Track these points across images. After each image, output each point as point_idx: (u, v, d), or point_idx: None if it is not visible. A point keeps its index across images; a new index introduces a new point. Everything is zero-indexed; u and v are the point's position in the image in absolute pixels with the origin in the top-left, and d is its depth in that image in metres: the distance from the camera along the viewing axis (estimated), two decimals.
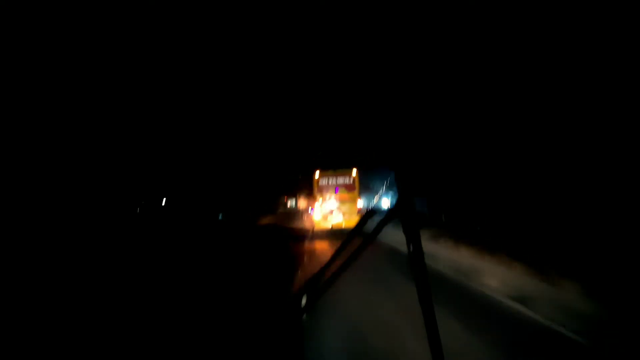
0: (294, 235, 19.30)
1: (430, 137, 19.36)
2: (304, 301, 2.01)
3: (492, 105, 14.59)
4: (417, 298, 1.71)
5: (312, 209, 19.37)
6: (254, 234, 21.36)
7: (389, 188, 36.54)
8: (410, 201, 1.67)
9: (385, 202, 36.20)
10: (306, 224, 21.19)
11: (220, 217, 31.72)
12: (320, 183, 18.64)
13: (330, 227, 18.43)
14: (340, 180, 18.65)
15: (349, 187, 18.60)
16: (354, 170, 18.75)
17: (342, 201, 18.53)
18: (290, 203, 39.13)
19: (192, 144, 25.47)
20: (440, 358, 1.63)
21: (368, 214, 1.89)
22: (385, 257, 11.53)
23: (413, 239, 1.66)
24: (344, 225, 18.30)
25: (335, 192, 18.58)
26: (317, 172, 18.76)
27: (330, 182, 18.62)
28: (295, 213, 30.57)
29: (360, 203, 18.97)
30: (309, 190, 20.09)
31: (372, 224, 1.87)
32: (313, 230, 19.05)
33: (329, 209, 18.54)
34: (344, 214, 18.44)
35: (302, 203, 28.53)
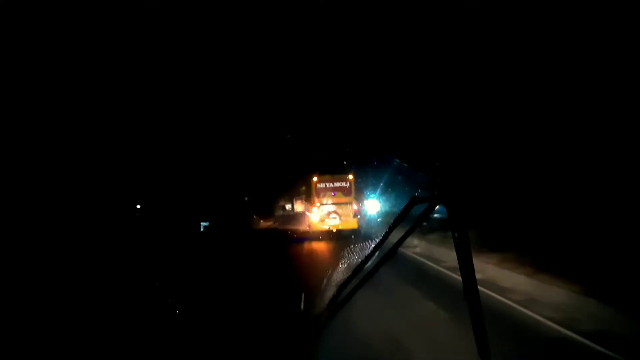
0: (293, 238, 20.16)
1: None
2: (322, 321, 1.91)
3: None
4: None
5: (310, 211, 20.24)
6: (252, 240, 21.84)
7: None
8: (458, 183, 1.53)
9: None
10: (304, 226, 22.05)
11: (203, 227, 27.69)
12: (317, 186, 19.53)
13: (327, 228, 19.30)
14: (337, 184, 19.54)
15: (345, 191, 19.50)
16: (350, 175, 19.67)
17: (338, 204, 19.41)
18: (289, 206, 39.94)
19: (179, 146, 25.00)
20: (485, 345, 1.52)
21: (413, 201, 1.67)
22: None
23: (460, 229, 1.53)
24: (340, 227, 19.20)
25: (333, 195, 19.47)
26: (315, 177, 19.65)
27: (327, 186, 19.51)
28: (293, 216, 31.38)
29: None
30: (307, 193, 20.95)
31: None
32: (311, 232, 19.90)
33: (326, 212, 19.42)
34: (340, 217, 19.33)
35: (299, 206, 29.27)
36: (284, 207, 39.79)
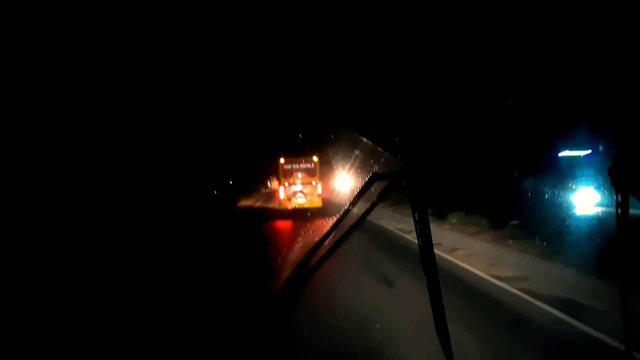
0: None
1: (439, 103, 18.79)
2: (288, 289, 1.90)
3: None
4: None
5: (278, 191, 21.62)
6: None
7: None
8: (416, 164, 1.84)
9: None
10: (274, 204, 23.48)
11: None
12: (284, 167, 20.87)
13: (294, 206, 20.73)
14: (303, 165, 20.88)
15: (310, 172, 20.86)
16: (315, 157, 20.99)
17: (304, 184, 20.80)
18: (269, 184, 41.30)
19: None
20: (446, 337, 1.55)
21: (372, 179, 1.67)
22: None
23: (419, 207, 1.56)
24: (306, 206, 20.63)
25: (298, 176, 20.84)
26: (282, 158, 20.96)
27: (293, 167, 20.85)
28: (271, 193, 32.84)
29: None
30: (276, 174, 22.21)
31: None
32: (280, 209, 21.33)
33: (292, 191, 20.82)
34: (306, 196, 20.74)
35: (275, 184, 30.62)
36: (266, 186, 41.31)
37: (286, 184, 20.86)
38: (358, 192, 1.69)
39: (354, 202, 1.72)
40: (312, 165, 20.93)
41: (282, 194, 20.95)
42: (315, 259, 1.77)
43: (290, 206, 20.75)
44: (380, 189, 1.64)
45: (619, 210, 1.43)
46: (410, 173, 1.57)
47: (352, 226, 1.66)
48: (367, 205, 1.69)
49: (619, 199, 1.43)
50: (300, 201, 20.76)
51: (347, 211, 1.74)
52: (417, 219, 1.57)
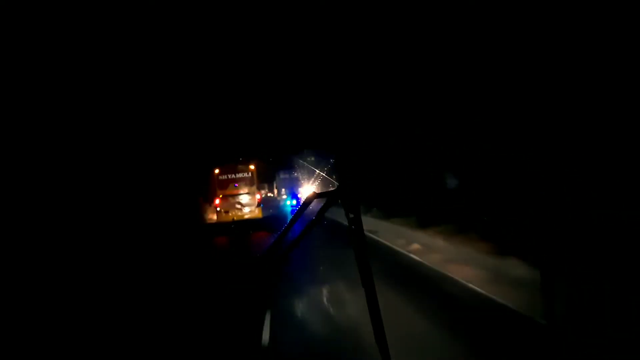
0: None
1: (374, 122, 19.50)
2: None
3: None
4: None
5: (214, 203, 20.33)
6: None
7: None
8: (350, 183, 1.92)
9: None
10: (210, 216, 22.13)
11: None
12: (220, 178, 19.67)
13: (231, 219, 19.57)
14: (239, 175, 19.79)
15: (247, 181, 19.81)
16: (252, 165, 19.98)
17: (241, 195, 19.71)
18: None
19: None
20: (384, 344, 1.69)
21: (313, 196, 1.86)
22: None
23: (355, 222, 1.71)
24: (245, 217, 19.53)
25: (235, 186, 19.72)
26: (217, 169, 19.75)
27: (229, 177, 19.71)
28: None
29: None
30: (211, 185, 20.87)
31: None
32: (216, 223, 20.06)
33: (229, 203, 19.66)
34: (243, 207, 19.65)
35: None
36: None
37: (222, 195, 19.69)
38: (299, 208, 1.85)
39: (296, 217, 1.85)
40: (249, 174, 19.91)
41: (218, 206, 19.75)
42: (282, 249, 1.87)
43: (228, 219, 19.59)
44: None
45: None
46: (345, 192, 1.73)
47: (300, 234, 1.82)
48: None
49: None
50: (238, 213, 19.66)
51: (290, 225, 1.86)
52: (353, 233, 1.71)
